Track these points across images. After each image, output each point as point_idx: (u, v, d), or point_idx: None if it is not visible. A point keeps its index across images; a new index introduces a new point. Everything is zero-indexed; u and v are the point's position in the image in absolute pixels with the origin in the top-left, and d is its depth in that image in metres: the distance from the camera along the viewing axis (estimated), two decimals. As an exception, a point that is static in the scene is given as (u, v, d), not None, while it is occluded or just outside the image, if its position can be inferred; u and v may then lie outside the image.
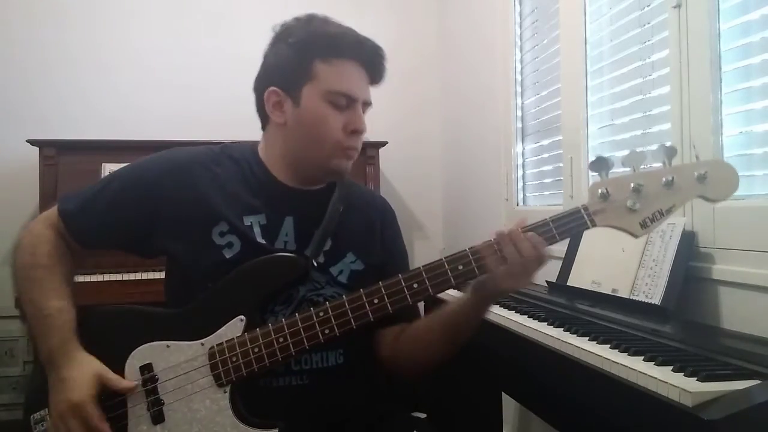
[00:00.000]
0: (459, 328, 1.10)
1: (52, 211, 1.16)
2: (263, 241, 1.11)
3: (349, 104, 1.11)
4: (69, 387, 1.00)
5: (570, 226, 1.02)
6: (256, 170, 1.17)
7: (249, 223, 1.12)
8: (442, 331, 1.11)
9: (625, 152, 0.97)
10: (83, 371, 1.01)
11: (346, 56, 1.10)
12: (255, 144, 1.21)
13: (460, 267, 1.02)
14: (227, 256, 1.09)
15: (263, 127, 1.19)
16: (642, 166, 1.00)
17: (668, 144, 1.00)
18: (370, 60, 1.12)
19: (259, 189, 1.15)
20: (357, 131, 1.12)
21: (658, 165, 1.01)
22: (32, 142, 2.62)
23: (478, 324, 1.10)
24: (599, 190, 1.00)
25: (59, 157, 2.64)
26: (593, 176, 1.03)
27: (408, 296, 1.02)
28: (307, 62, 1.10)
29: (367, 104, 1.15)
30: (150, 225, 1.12)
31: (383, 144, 2.96)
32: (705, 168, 0.97)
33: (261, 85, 1.15)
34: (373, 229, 1.23)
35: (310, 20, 1.13)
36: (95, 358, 1.04)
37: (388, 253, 1.23)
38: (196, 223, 1.10)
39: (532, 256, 0.99)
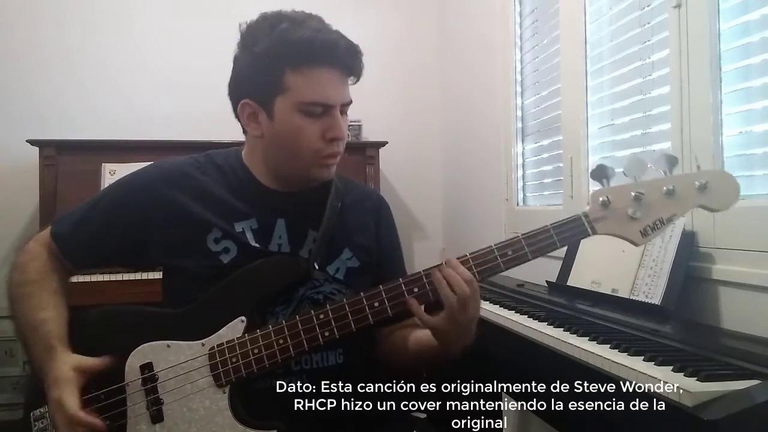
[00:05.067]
0: (445, 352, 1.08)
1: (46, 232, 1.17)
2: (258, 245, 1.11)
3: (326, 111, 1.07)
4: (52, 387, 1.01)
5: (570, 233, 1.01)
6: (242, 175, 1.16)
7: (240, 229, 1.12)
8: (433, 350, 1.11)
9: (625, 152, 0.98)
10: (62, 369, 1.02)
11: (317, 63, 1.05)
12: (240, 148, 1.20)
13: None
14: (225, 261, 1.10)
15: (244, 132, 1.17)
16: (644, 174, 1.01)
17: (669, 153, 1.00)
18: (344, 61, 1.07)
19: (246, 194, 1.14)
20: (335, 139, 1.09)
21: (659, 174, 1.02)
22: (32, 142, 2.62)
23: (467, 343, 1.07)
24: (600, 198, 1.00)
25: (59, 157, 2.64)
26: (594, 181, 1.04)
27: (408, 300, 1.02)
28: (276, 74, 1.05)
29: (345, 105, 1.10)
30: (142, 239, 1.12)
31: (383, 144, 2.96)
32: (706, 178, 0.98)
33: (234, 95, 1.12)
34: (369, 225, 1.23)
35: (276, 22, 1.06)
36: (78, 354, 1.04)
37: (383, 250, 1.23)
38: (189, 233, 1.10)
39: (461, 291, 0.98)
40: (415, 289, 1.02)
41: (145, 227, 1.12)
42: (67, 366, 1.02)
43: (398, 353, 1.18)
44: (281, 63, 1.05)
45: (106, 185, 2.61)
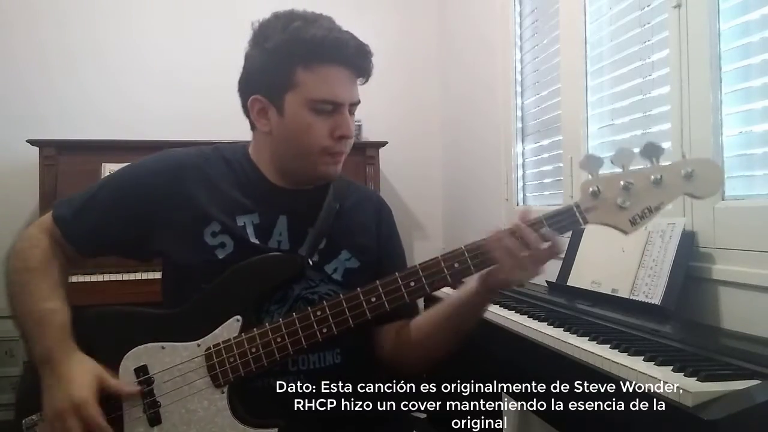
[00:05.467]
0: (463, 317, 1.10)
1: (47, 217, 1.15)
2: (256, 241, 1.11)
3: (335, 109, 1.08)
4: (69, 385, 0.99)
5: (563, 224, 1.02)
6: (248, 171, 1.16)
7: (242, 223, 1.12)
8: (446, 321, 1.12)
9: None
10: (83, 370, 1.01)
11: (328, 61, 1.06)
12: (247, 144, 1.20)
13: (456, 265, 1.02)
14: (220, 257, 1.09)
15: (252, 128, 1.17)
16: (631, 163, 1.02)
17: (655, 143, 1.01)
18: (354, 61, 1.08)
19: (251, 189, 1.15)
20: (344, 137, 1.10)
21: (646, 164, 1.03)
22: (32, 142, 2.62)
23: (482, 314, 1.11)
24: (590, 188, 1.01)
25: (59, 157, 2.64)
26: (583, 171, 1.05)
27: (405, 294, 1.02)
28: (287, 70, 1.06)
29: (354, 105, 1.12)
30: (144, 228, 1.12)
31: (383, 144, 2.96)
32: (691, 166, 0.99)
33: (244, 91, 1.13)
34: (369, 227, 1.23)
35: (288, 21, 1.08)
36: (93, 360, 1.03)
37: (383, 251, 1.23)
38: (188, 225, 1.10)
39: (541, 248, 0.99)
40: (412, 283, 1.02)
41: (149, 215, 1.11)
42: (90, 371, 1.00)
43: (414, 343, 1.17)
44: (293, 60, 1.06)
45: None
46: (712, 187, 1.01)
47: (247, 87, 1.12)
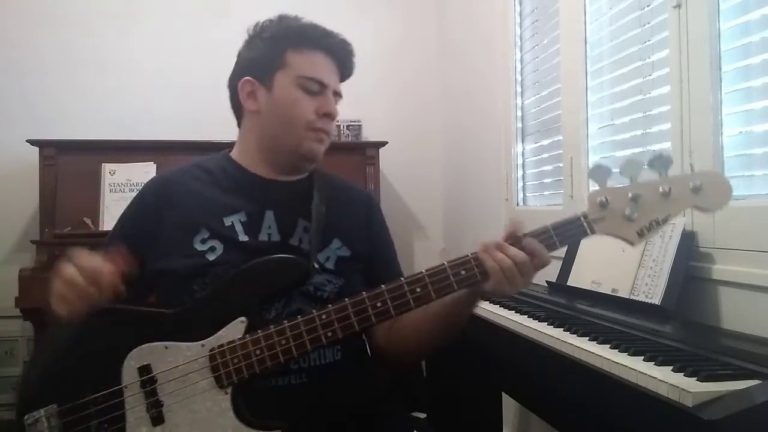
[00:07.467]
0: (454, 316, 1.11)
1: None
2: (246, 238, 1.14)
3: (321, 90, 1.18)
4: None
5: (570, 234, 1.02)
6: (230, 170, 1.22)
7: (230, 223, 1.15)
8: (435, 322, 1.13)
9: (625, 153, 0.99)
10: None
11: (315, 47, 1.18)
12: (226, 151, 1.27)
13: (463, 272, 1.01)
14: (210, 259, 1.12)
15: (238, 124, 1.25)
16: (640, 174, 1.01)
17: (665, 153, 1.01)
18: (338, 52, 1.21)
19: (235, 188, 1.20)
20: (328, 114, 1.18)
21: (654, 175, 1.02)
22: (32, 142, 2.63)
23: (472, 311, 1.12)
24: (598, 199, 1.01)
25: (59, 157, 2.65)
26: (592, 181, 1.04)
27: (411, 300, 1.01)
28: (279, 52, 1.18)
29: (337, 94, 1.22)
30: (145, 249, 1.15)
31: (383, 144, 2.96)
32: (700, 179, 0.99)
33: (235, 78, 1.21)
34: (359, 219, 1.27)
35: (282, 17, 1.22)
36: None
37: (375, 245, 1.26)
38: (177, 237, 1.14)
39: (529, 262, 0.98)
40: (418, 289, 1.02)
41: (151, 240, 1.15)
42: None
43: (407, 336, 1.18)
44: (284, 43, 1.18)
45: (106, 185, 2.64)
46: (719, 201, 1.00)
47: (238, 73, 1.20)
